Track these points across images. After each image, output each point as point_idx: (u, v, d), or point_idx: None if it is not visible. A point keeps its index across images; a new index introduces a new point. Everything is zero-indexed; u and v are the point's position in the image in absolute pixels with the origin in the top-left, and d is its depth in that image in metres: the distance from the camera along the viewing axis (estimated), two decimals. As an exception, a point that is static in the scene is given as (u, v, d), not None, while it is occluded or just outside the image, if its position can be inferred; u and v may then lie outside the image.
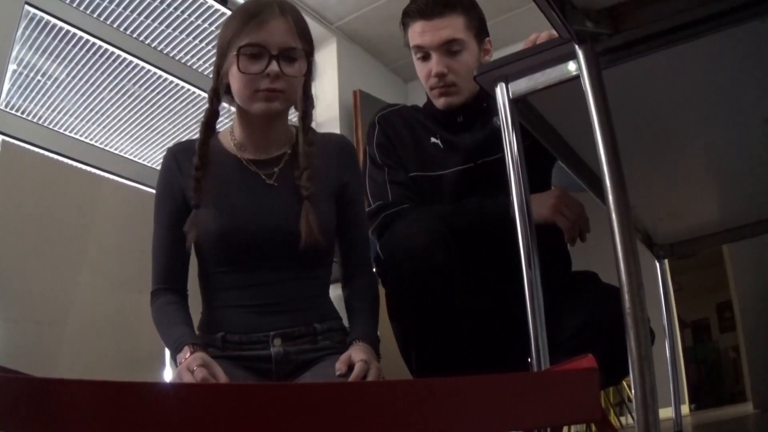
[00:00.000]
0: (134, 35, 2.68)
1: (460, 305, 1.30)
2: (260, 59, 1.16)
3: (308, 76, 1.28)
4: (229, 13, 2.85)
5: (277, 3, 1.20)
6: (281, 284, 1.20)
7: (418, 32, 1.47)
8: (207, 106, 1.24)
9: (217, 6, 2.89)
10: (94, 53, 2.53)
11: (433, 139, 1.52)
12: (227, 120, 1.32)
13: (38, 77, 2.44)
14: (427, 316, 1.27)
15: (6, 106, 2.28)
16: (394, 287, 1.32)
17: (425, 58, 1.48)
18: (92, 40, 2.50)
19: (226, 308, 1.20)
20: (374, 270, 1.37)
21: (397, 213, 1.41)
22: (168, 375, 1.98)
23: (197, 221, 1.17)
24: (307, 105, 1.29)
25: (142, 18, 2.67)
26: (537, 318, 0.97)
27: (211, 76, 1.25)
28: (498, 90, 1.04)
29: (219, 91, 1.22)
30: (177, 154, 1.27)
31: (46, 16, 2.36)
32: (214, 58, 1.25)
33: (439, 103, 1.49)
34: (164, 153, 1.29)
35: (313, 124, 1.31)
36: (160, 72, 2.76)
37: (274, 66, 1.15)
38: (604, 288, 1.35)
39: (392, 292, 1.33)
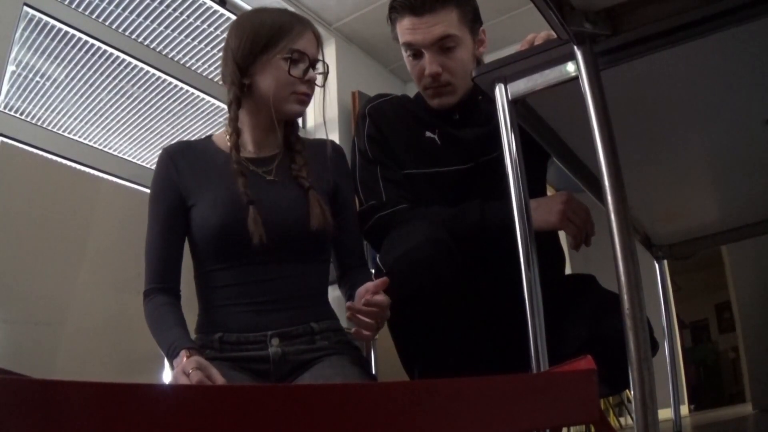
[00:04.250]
0: (133, 36, 2.68)
1: (464, 315, 1.25)
2: (301, 65, 1.25)
3: None
4: (227, 14, 2.86)
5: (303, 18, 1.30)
6: (278, 281, 1.20)
7: (408, 29, 1.37)
8: (234, 90, 1.25)
9: (216, 7, 2.88)
10: (93, 54, 2.53)
11: (428, 134, 1.45)
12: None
13: (37, 78, 2.43)
14: (432, 330, 1.22)
15: (4, 108, 2.27)
16: (396, 300, 1.23)
17: (416, 55, 1.40)
18: (91, 41, 2.49)
19: (222, 307, 1.20)
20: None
21: (392, 215, 1.35)
22: (167, 376, 1.98)
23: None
24: None
25: (140, 19, 2.67)
26: (536, 319, 0.97)
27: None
28: (497, 91, 1.04)
29: (242, 83, 1.24)
30: (173, 154, 1.28)
31: (45, 18, 2.36)
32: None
33: (434, 103, 1.43)
34: (160, 153, 1.30)
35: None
36: (158, 73, 2.75)
37: (313, 74, 1.26)
38: (604, 296, 1.32)
39: (395, 305, 1.25)
